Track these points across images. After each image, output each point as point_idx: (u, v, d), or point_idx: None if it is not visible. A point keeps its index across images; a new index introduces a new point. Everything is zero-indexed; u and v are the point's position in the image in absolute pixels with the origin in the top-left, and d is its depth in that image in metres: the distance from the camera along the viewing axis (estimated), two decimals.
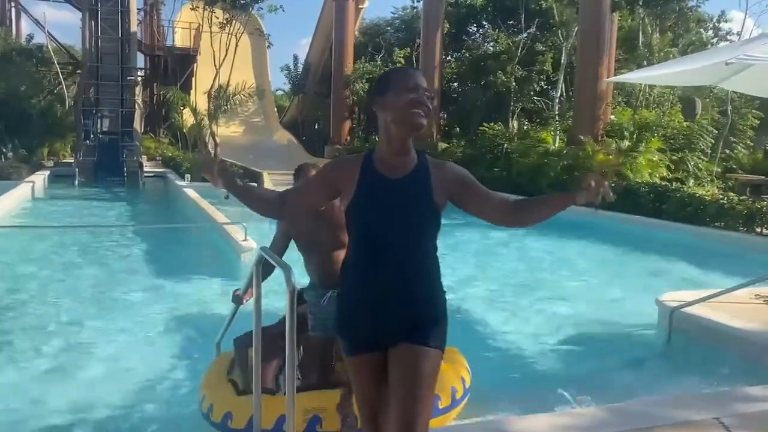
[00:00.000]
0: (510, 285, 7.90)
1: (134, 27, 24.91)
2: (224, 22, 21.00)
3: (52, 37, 28.27)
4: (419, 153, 2.16)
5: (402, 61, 24.55)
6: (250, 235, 8.62)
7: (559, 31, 21.57)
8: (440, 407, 3.38)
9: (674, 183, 14.21)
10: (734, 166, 17.90)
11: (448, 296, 2.19)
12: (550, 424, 3.41)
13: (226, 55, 20.87)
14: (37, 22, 28.48)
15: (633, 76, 10.18)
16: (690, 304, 5.27)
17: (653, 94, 18.85)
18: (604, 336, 5.82)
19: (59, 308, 6.36)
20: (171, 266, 8.49)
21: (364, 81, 24.00)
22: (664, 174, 15.98)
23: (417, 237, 2.10)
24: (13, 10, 29.59)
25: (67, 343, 5.33)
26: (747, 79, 6.42)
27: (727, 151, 17.93)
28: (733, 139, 18.14)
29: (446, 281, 2.19)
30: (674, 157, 16.96)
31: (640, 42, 19.49)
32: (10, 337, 5.50)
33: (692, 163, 16.95)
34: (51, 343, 5.27)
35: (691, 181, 16.25)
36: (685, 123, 17.52)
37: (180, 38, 31.62)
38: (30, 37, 27.85)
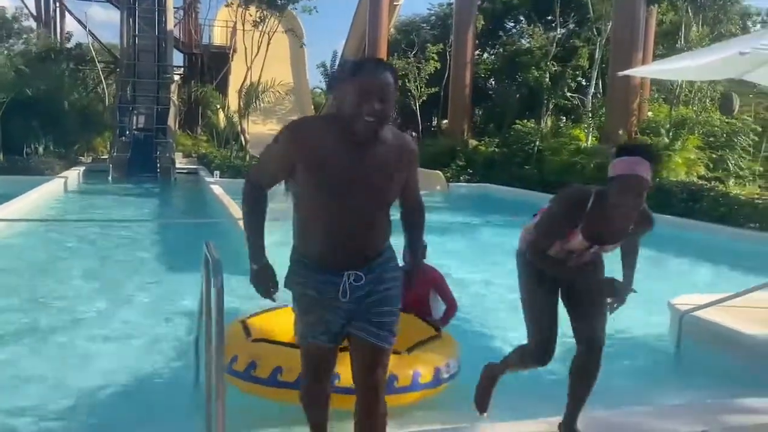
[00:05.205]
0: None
1: (171, 25, 25.28)
2: (257, 20, 21.05)
3: (94, 36, 28.93)
4: None
5: (435, 57, 24.29)
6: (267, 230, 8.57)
7: (594, 26, 21.03)
8: (420, 382, 3.44)
9: (713, 182, 13.66)
10: None
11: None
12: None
13: (257, 53, 20.90)
14: (79, 21, 29.17)
15: (646, 69, 9.73)
16: (701, 307, 4.95)
17: (693, 89, 18.20)
18: (612, 341, 5.52)
19: (76, 297, 6.45)
20: (185, 259, 8.51)
21: None
22: (703, 173, 15.39)
23: None
24: (57, 9, 30.38)
25: (84, 328, 5.43)
26: None
27: None
28: None
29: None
30: (714, 156, 16.32)
31: (681, 36, 18.82)
32: (38, 325, 5.51)
33: (733, 162, 16.28)
34: (74, 331, 5.36)
35: (732, 181, 15.61)
36: (725, 120, 16.84)
37: (217, 36, 32.01)
38: (69, 35, 28.43)
